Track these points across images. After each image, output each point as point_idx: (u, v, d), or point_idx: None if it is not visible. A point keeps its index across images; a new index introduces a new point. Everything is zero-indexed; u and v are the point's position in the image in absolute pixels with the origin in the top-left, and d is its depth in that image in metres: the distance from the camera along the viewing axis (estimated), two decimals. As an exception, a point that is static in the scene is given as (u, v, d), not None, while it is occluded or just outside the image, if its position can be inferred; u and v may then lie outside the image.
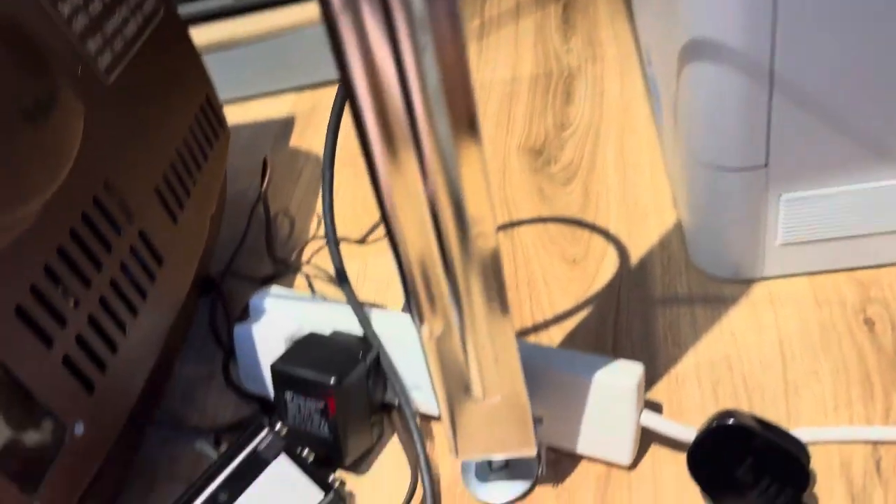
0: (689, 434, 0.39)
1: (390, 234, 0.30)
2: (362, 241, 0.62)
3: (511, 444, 0.38)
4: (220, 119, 0.57)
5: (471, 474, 0.43)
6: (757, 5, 0.37)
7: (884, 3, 0.37)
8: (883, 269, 0.48)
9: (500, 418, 0.37)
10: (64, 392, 0.37)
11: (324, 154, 0.42)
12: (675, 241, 0.54)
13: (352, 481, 0.45)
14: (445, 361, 0.35)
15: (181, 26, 0.53)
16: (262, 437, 0.43)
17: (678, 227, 0.55)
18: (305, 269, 0.61)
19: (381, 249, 0.60)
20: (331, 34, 0.25)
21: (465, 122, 0.27)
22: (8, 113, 0.32)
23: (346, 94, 0.26)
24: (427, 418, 0.46)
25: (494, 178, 0.64)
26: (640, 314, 0.50)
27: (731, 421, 0.37)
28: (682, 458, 0.41)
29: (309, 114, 0.81)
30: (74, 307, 0.38)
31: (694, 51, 0.41)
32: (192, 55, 0.55)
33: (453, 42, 0.25)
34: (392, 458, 0.46)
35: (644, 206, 0.57)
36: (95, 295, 0.40)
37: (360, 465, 0.45)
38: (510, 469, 0.43)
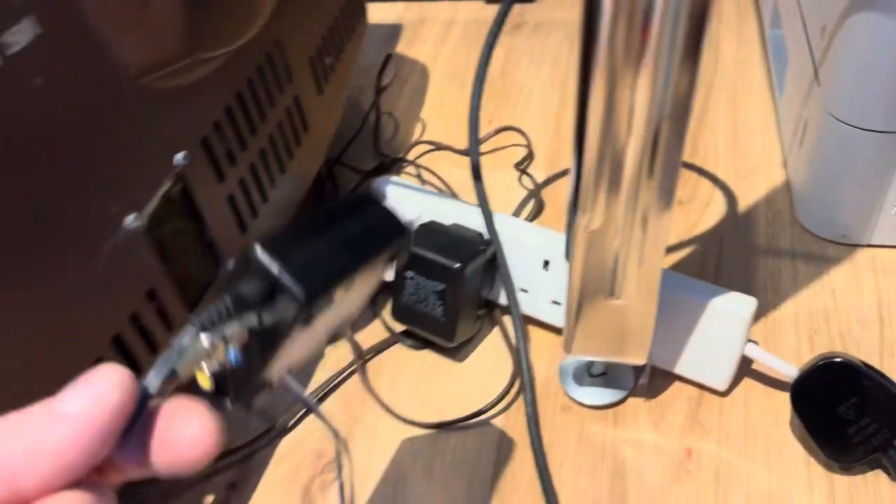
0: (790, 370, 0.42)
1: (581, 115, 0.32)
2: (463, 152, 0.64)
3: (627, 349, 0.41)
4: (363, 7, 0.59)
5: (569, 377, 0.46)
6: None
7: None
8: None
9: (624, 322, 0.40)
10: (225, 228, 0.39)
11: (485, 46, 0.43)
12: (780, 200, 0.56)
13: (451, 367, 0.48)
14: (592, 256, 0.37)
15: None
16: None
17: (786, 187, 0.56)
18: (410, 168, 0.63)
19: (487, 162, 0.62)
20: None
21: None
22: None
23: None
24: (527, 320, 0.49)
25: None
26: (741, 261, 0.52)
27: (839, 359, 0.40)
28: (773, 393, 0.44)
29: (416, 25, 0.82)
30: (242, 150, 0.41)
31: (857, 8, 0.43)
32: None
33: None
34: (490, 352, 0.48)
35: (753, 161, 0.59)
36: (258, 143, 0.42)
37: (459, 352, 0.48)
38: (608, 377, 0.46)
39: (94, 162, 0.31)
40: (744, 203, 0.56)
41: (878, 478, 0.40)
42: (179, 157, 0.35)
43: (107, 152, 0.31)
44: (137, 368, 0.34)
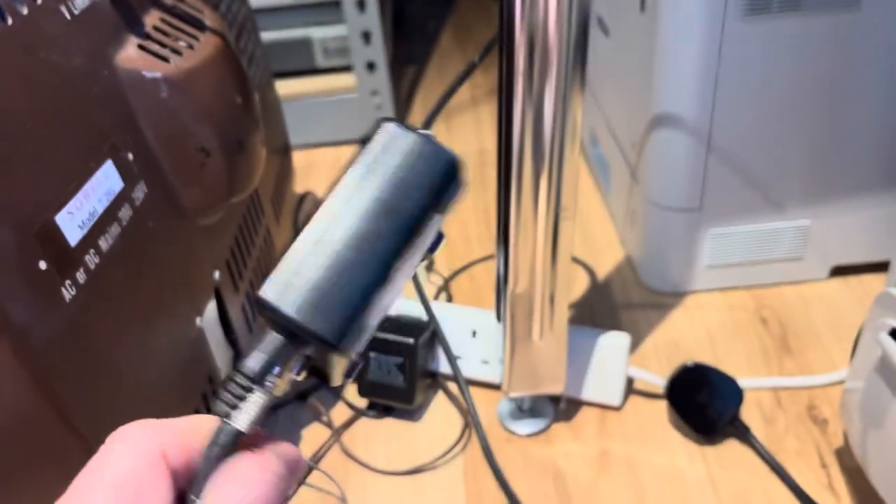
0: (660, 381, 0.59)
1: (505, 216, 0.49)
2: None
3: (548, 382, 0.56)
4: (290, 157, 0.74)
5: (506, 416, 0.60)
6: (702, 98, 0.60)
7: (777, 105, 0.61)
8: (771, 288, 0.71)
9: (545, 359, 0.55)
10: (241, 328, 0.51)
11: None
12: (625, 269, 0.75)
13: (412, 427, 0.61)
14: (518, 311, 0.53)
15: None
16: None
17: (627, 259, 0.76)
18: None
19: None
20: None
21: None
22: (244, 133, 0.48)
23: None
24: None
25: (481, 224, 0.84)
26: (609, 315, 0.70)
27: (692, 364, 0.58)
28: (652, 401, 0.61)
29: (308, 168, 0.98)
30: (245, 269, 0.53)
31: (657, 124, 0.64)
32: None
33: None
34: (440, 410, 0.62)
35: (600, 245, 0.79)
36: (252, 264, 0.55)
37: (416, 414, 0.61)
38: (534, 410, 0.60)
39: (178, 277, 0.42)
40: (601, 275, 0.75)
41: (732, 443, 0.57)
42: (216, 274, 0.47)
43: (183, 269, 0.43)
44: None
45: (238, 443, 0.21)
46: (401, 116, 1.10)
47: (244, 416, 0.21)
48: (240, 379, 0.21)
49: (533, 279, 0.51)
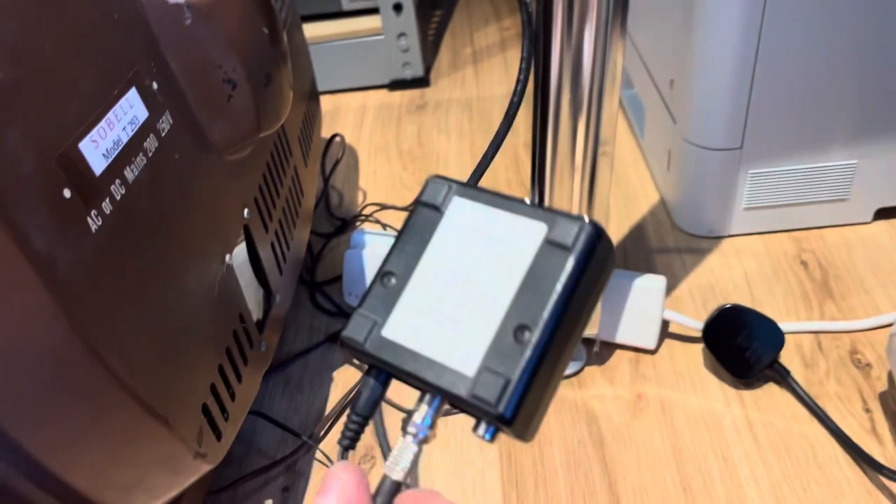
0: (697, 324, 0.57)
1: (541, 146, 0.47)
2: (406, 208, 0.77)
3: (582, 323, 0.55)
4: (318, 97, 0.72)
5: (537, 359, 0.59)
6: (748, 29, 0.58)
7: (839, 25, 0.58)
8: (812, 231, 0.69)
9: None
10: (270, 268, 0.50)
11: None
12: (660, 213, 0.73)
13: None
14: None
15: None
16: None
17: (661, 203, 0.74)
18: (366, 225, 0.75)
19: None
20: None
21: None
22: (273, 66, 0.47)
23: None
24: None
25: (510, 169, 0.82)
26: (642, 260, 0.68)
27: (730, 305, 0.56)
28: (687, 345, 0.59)
29: (334, 112, 0.96)
30: (273, 208, 0.52)
31: (699, 59, 0.61)
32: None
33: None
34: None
35: (633, 189, 0.77)
36: (281, 203, 0.53)
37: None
38: (567, 355, 0.59)
39: (206, 213, 0.41)
40: (634, 219, 0.73)
41: (771, 387, 0.56)
42: (245, 212, 0.46)
43: (211, 204, 0.42)
44: (238, 373, 0.44)
45: (399, 490, 0.24)
46: (428, 60, 1.07)
47: (403, 469, 0.24)
48: (407, 432, 0.25)
49: (569, 205, 0.50)
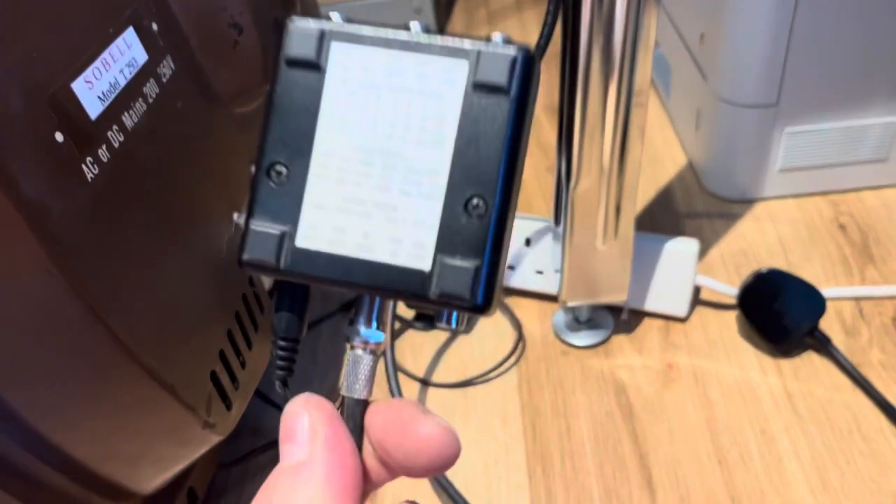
0: (731, 290, 0.55)
1: (570, 104, 0.44)
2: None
3: (610, 290, 0.52)
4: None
5: (562, 328, 0.57)
6: (785, -20, 0.54)
7: (868, -14, 0.54)
8: (850, 193, 0.65)
9: (606, 265, 0.51)
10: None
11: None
12: (688, 176, 0.70)
13: (461, 339, 0.57)
14: (581, 213, 0.48)
15: None
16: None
17: (689, 166, 0.71)
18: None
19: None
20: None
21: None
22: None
23: None
24: (517, 292, 0.60)
25: (534, 128, 0.79)
26: (671, 226, 0.65)
27: (767, 270, 0.53)
28: (720, 312, 0.57)
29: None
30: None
31: (732, 9, 0.58)
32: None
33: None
34: (491, 323, 0.58)
35: (659, 152, 0.73)
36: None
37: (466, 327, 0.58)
38: (592, 322, 0.57)
39: (212, 168, 0.39)
40: (661, 183, 0.70)
41: (810, 356, 0.53)
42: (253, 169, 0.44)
43: (217, 158, 0.39)
44: (248, 339, 0.42)
45: (365, 408, 0.22)
46: (441, 21, 1.04)
47: (364, 385, 0.22)
48: (354, 346, 0.22)
49: (600, 175, 0.47)
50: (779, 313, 0.52)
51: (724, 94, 0.62)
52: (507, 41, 0.20)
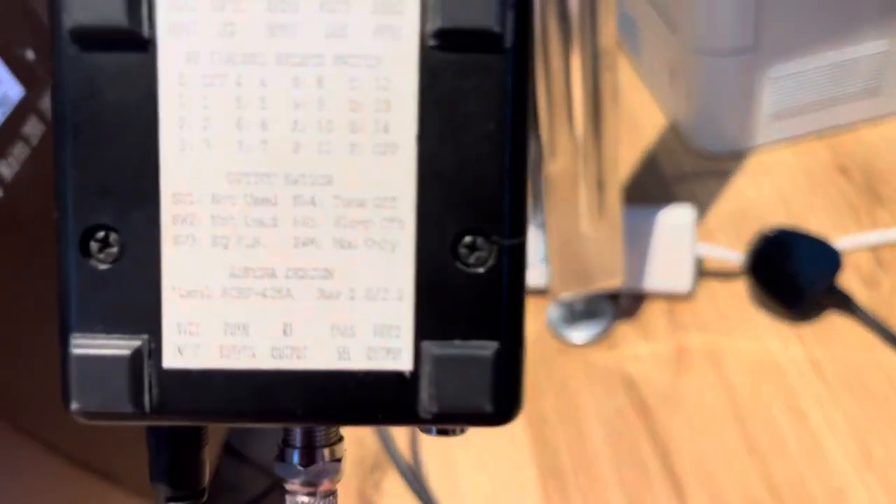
0: (736, 256, 0.50)
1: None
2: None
3: (602, 275, 0.48)
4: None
5: (558, 324, 0.52)
6: None
7: None
8: (846, 133, 0.61)
9: (596, 248, 0.46)
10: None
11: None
12: (670, 138, 0.65)
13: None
14: (560, 193, 0.43)
15: None
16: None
17: (671, 126, 0.66)
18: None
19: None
20: None
21: None
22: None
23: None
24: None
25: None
26: (662, 193, 0.60)
27: (773, 231, 0.48)
28: (727, 282, 0.52)
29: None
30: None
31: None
32: None
33: None
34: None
35: (635, 116, 0.69)
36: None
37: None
38: (589, 313, 0.52)
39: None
40: (643, 150, 0.65)
41: (830, 317, 0.48)
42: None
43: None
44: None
45: None
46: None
47: None
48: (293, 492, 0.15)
49: (574, 151, 0.42)
50: (791, 275, 0.47)
51: (696, 45, 0.57)
52: None
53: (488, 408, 0.14)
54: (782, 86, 0.57)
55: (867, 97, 0.59)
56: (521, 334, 0.14)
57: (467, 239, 0.13)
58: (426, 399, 0.13)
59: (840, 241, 0.51)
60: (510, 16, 0.12)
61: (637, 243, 0.50)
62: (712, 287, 0.52)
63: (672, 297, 0.52)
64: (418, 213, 0.12)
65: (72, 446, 0.27)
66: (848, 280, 0.50)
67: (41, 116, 0.30)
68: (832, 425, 0.44)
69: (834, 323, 0.48)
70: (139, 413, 0.13)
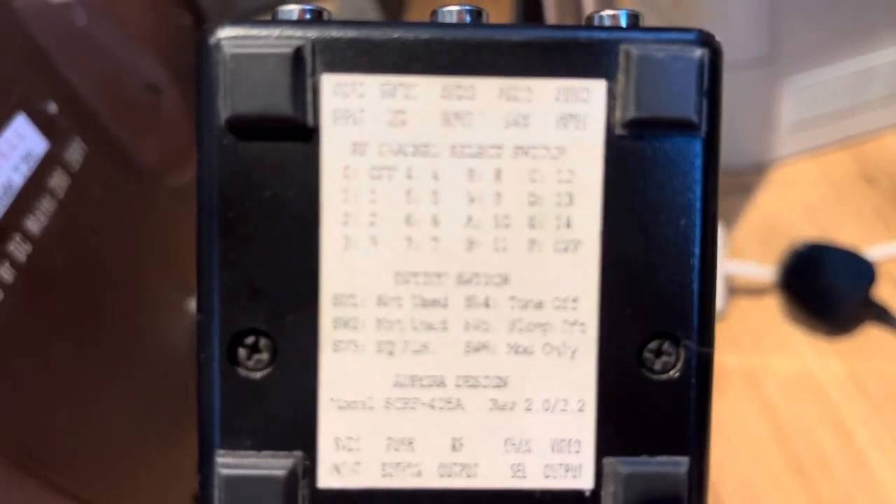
0: (766, 272, 0.50)
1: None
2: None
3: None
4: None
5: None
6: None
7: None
8: (869, 141, 0.61)
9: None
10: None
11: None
12: (689, 154, 0.65)
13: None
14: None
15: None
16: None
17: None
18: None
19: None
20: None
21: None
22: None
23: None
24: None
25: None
26: (681, 210, 0.60)
27: (804, 245, 0.48)
28: (761, 299, 0.52)
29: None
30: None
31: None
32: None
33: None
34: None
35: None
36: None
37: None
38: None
39: (149, 253, 0.34)
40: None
41: (867, 330, 0.48)
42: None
43: (155, 244, 0.34)
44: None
45: None
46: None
47: None
48: None
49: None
50: (826, 290, 0.47)
51: (713, 58, 0.57)
52: (662, 28, 0.12)
53: None
54: (802, 96, 0.57)
55: (889, 104, 0.59)
56: (708, 448, 0.13)
57: (653, 343, 0.12)
58: None
59: (871, 252, 0.51)
60: (705, 102, 0.11)
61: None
62: (744, 305, 0.52)
63: (703, 317, 0.52)
64: (601, 316, 0.12)
65: (99, 499, 0.27)
66: (883, 291, 0.50)
67: (66, 169, 0.30)
68: (879, 441, 0.43)
69: (871, 336, 0.48)
70: None
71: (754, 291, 0.52)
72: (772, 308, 0.51)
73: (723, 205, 0.62)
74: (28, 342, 0.26)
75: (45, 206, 0.28)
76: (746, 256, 0.55)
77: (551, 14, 0.40)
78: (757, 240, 0.56)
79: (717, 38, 0.63)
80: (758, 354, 0.49)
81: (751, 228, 0.57)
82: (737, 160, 0.62)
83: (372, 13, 0.90)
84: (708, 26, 0.61)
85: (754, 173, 0.61)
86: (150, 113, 0.36)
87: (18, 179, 0.28)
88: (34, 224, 0.28)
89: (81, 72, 0.33)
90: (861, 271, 0.47)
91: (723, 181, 0.61)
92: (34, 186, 0.28)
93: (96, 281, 0.30)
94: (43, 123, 0.30)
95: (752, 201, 0.59)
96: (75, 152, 0.31)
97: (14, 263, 0.26)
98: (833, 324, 0.48)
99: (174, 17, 0.38)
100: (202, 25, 0.38)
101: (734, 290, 0.52)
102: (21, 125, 0.29)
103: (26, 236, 0.27)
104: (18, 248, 0.27)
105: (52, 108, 0.31)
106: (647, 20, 0.61)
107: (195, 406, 0.33)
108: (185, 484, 0.33)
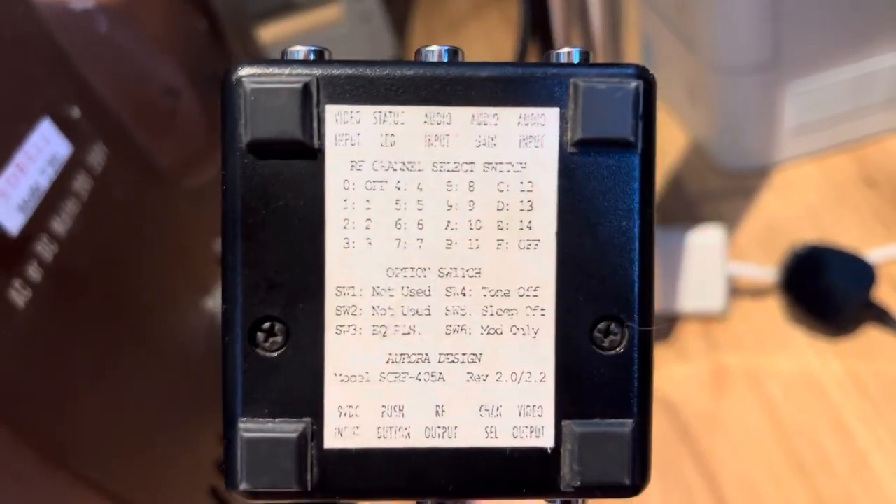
0: (768, 273, 0.51)
1: None
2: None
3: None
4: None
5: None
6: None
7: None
8: (871, 144, 0.62)
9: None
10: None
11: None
12: (693, 157, 0.66)
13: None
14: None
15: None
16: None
17: (692, 144, 0.67)
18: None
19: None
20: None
21: None
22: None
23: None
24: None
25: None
26: (686, 213, 0.61)
27: (804, 247, 0.49)
28: (763, 300, 0.53)
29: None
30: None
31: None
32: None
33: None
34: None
35: (658, 137, 0.70)
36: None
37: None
38: (624, 337, 0.53)
39: (169, 254, 0.35)
40: (665, 167, 0.66)
41: (868, 331, 0.49)
42: (217, 245, 0.40)
43: (174, 246, 0.36)
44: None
45: None
46: (401, 40, 1.00)
47: None
48: None
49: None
50: (827, 292, 0.48)
51: (716, 62, 0.58)
52: (627, 66, 0.15)
53: (626, 480, 0.15)
54: (804, 100, 0.58)
55: (890, 108, 0.60)
56: (650, 412, 0.16)
57: (602, 324, 0.15)
58: (568, 474, 0.14)
59: (872, 254, 0.52)
60: (640, 125, 0.15)
61: (668, 265, 0.51)
62: (745, 305, 0.53)
63: (706, 318, 0.53)
64: (558, 302, 0.14)
65: (133, 493, 0.28)
66: (883, 293, 0.51)
67: (89, 172, 0.31)
68: (879, 440, 0.44)
69: (872, 337, 0.49)
70: (302, 492, 0.14)
71: (756, 293, 0.53)
72: (773, 309, 0.52)
73: (725, 207, 0.64)
74: (56, 338, 0.27)
75: (70, 208, 0.29)
76: (748, 258, 0.56)
77: (558, 14, 0.40)
78: (759, 241, 0.57)
79: (721, 43, 0.64)
80: (759, 355, 0.50)
81: (753, 230, 0.58)
82: (739, 163, 0.63)
83: (379, 15, 0.91)
84: (711, 32, 0.63)
85: (756, 176, 0.62)
86: (168, 116, 0.37)
87: (44, 182, 0.29)
88: (60, 225, 0.29)
89: (103, 77, 0.34)
90: (861, 273, 0.48)
91: (725, 183, 0.63)
92: (59, 189, 0.29)
93: (119, 279, 0.31)
94: (67, 128, 0.31)
95: (755, 203, 0.60)
96: (98, 155, 0.32)
97: (42, 263, 0.27)
98: (834, 325, 0.49)
99: (190, 22, 0.39)
100: (216, 30, 0.39)
101: (736, 292, 0.53)
102: (46, 129, 0.30)
103: (53, 237, 0.28)
104: (45, 249, 0.28)
105: (76, 112, 0.32)
106: (653, 27, 0.63)
107: (208, 402, 0.34)
108: (201, 479, 0.34)
